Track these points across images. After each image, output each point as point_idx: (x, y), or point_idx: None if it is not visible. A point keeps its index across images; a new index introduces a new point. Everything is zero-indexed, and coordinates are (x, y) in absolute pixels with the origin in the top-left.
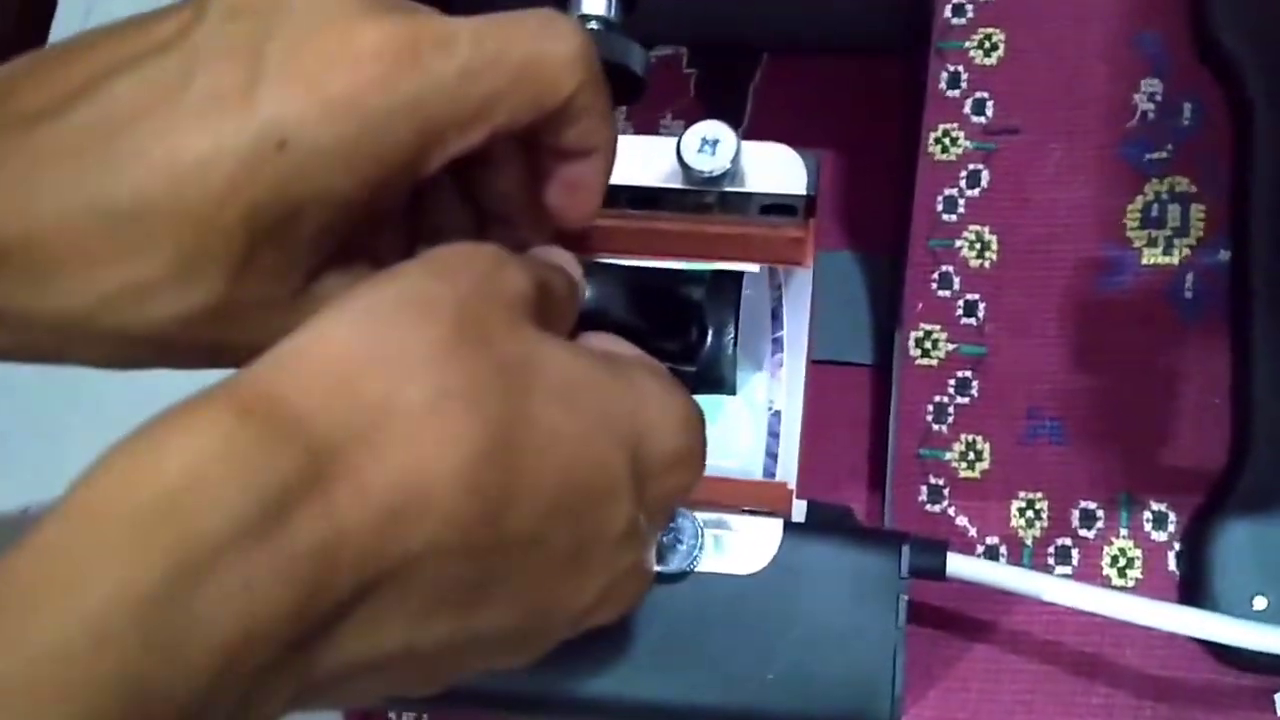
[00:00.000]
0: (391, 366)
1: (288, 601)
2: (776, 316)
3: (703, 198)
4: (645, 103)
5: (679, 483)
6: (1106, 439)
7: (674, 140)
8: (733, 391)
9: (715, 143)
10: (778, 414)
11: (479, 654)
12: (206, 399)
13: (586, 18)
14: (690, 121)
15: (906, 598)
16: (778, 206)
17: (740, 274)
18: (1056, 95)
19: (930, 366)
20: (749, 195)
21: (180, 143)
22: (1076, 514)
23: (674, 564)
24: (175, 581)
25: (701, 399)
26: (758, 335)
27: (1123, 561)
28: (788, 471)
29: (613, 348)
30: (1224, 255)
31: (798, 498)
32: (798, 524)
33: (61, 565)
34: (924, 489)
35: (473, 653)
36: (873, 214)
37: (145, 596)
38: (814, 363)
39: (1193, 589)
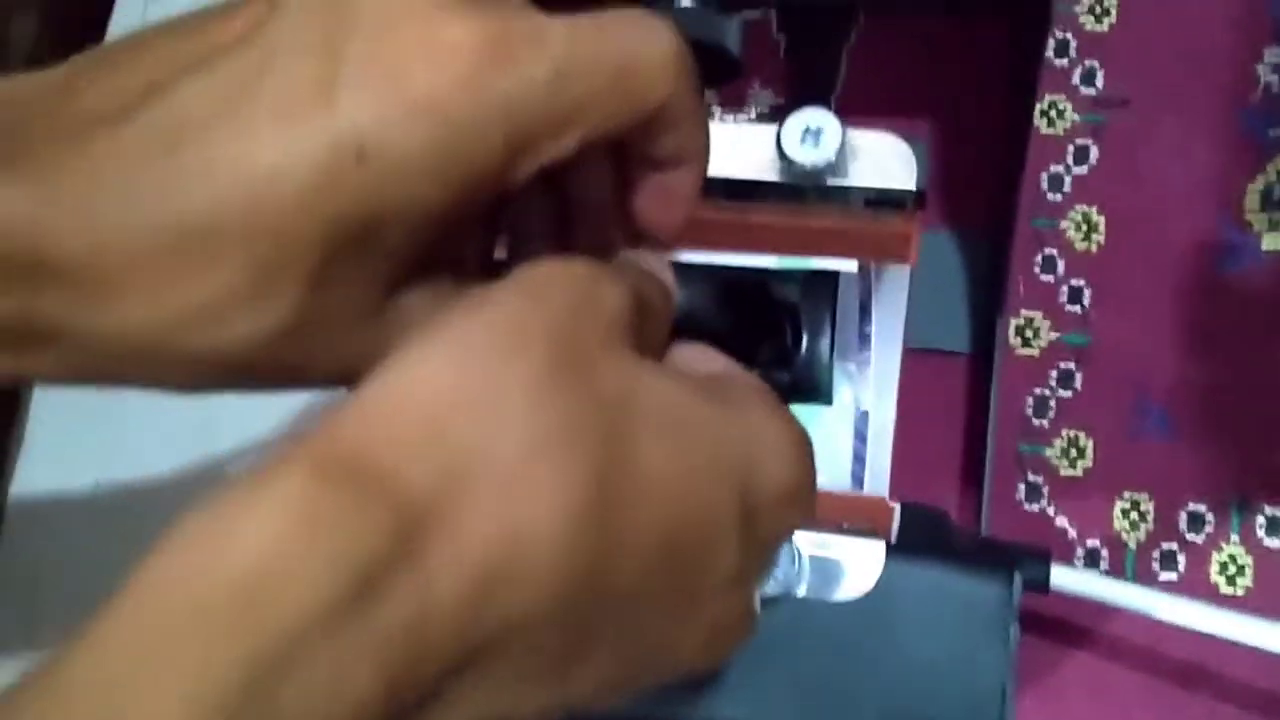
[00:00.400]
0: (484, 410)
1: (380, 685)
2: (865, 310)
3: (802, 191)
4: None
5: (789, 520)
6: (1219, 435)
7: (772, 129)
8: (829, 401)
9: (819, 133)
10: (865, 415)
11: (571, 703)
12: (283, 463)
13: None
14: (779, 90)
15: (1016, 626)
16: (883, 201)
17: (835, 274)
18: (1172, 63)
19: (1031, 356)
20: (852, 189)
21: (253, 151)
22: (1184, 516)
23: (771, 589)
24: (256, 681)
25: (797, 408)
26: (847, 333)
27: (1232, 569)
28: (877, 478)
29: (706, 362)
30: None
31: (890, 499)
32: (900, 546)
33: (123, 668)
34: (1022, 487)
35: (565, 704)
36: (972, 190)
37: (221, 702)
38: (907, 350)
39: None
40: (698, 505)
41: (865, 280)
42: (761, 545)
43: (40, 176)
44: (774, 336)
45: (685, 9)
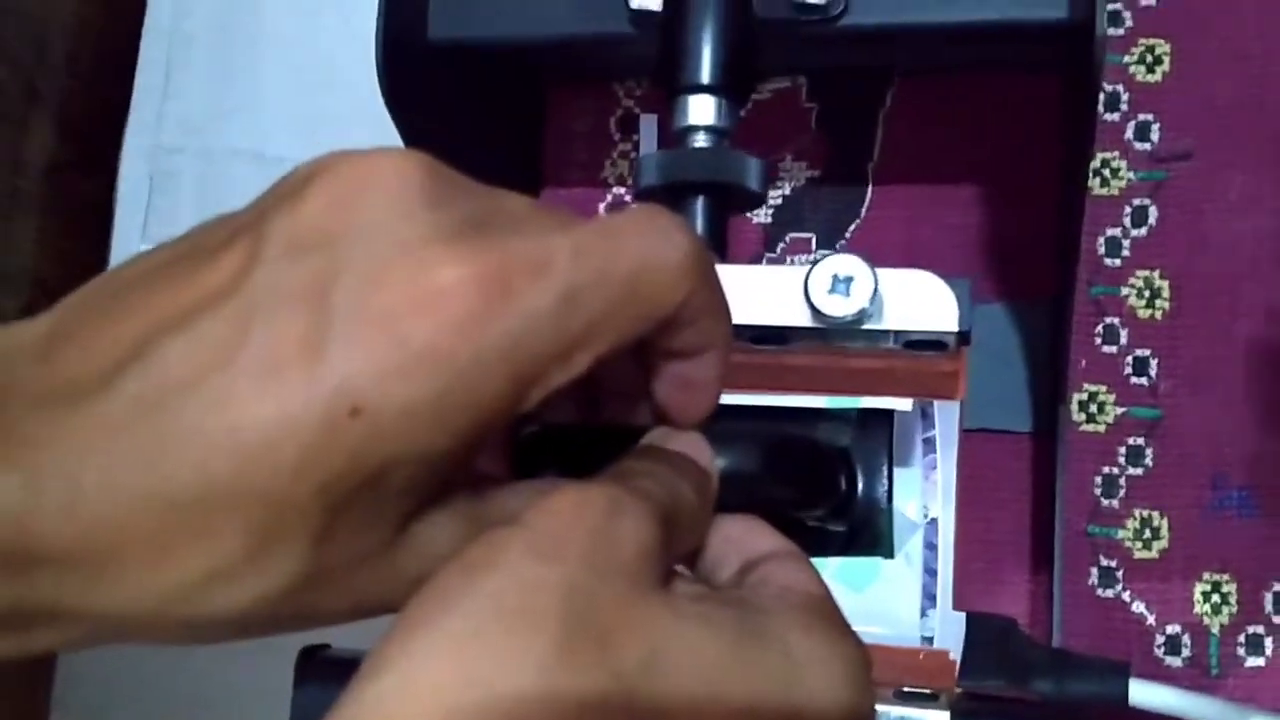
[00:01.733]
0: (490, 711)
1: None
2: (926, 415)
3: (836, 336)
4: (762, 144)
5: None
6: None
7: (801, 271)
8: (890, 554)
9: (849, 281)
10: (934, 523)
11: None
12: None
13: (695, 128)
14: (813, 162)
15: None
16: (925, 343)
17: (890, 413)
18: (1232, 113)
19: (1097, 433)
20: (891, 333)
21: (241, 414)
22: (1270, 597)
23: None
24: None
25: (855, 561)
26: (911, 442)
27: None
28: (945, 590)
29: (753, 540)
30: None
31: (955, 608)
32: (965, 710)
33: None
34: (1094, 571)
35: None
36: (1026, 258)
37: None
38: (965, 431)
39: None
40: None
41: (929, 414)
42: None
43: (22, 459)
44: (826, 486)
45: (704, 150)
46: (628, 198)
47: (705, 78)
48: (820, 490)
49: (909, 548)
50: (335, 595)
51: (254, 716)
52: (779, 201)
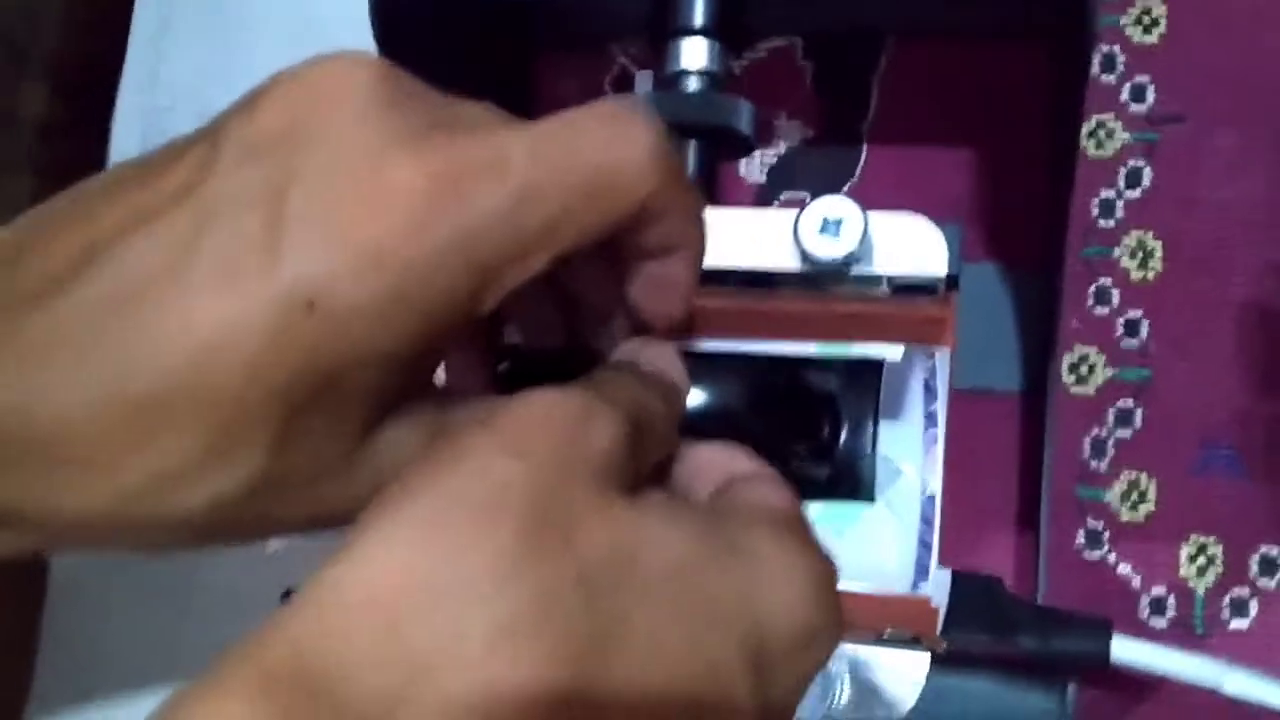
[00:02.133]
0: (450, 600)
1: None
2: (930, 390)
3: (825, 281)
4: (757, 103)
5: (810, 664)
6: None
7: (791, 214)
8: (871, 498)
9: (839, 223)
10: (932, 499)
11: None
12: (228, 671)
13: (687, 73)
14: (808, 121)
15: None
16: (913, 287)
17: (880, 362)
18: (1229, 74)
19: (1086, 395)
20: (880, 277)
21: (197, 314)
22: (1256, 560)
23: (807, 712)
24: None
25: (835, 505)
26: (906, 419)
27: None
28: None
29: (729, 463)
30: None
31: (940, 565)
32: (946, 658)
33: None
34: (1081, 534)
35: None
36: (1019, 220)
37: None
38: (954, 391)
39: None
40: (699, 668)
41: (929, 359)
42: (781, 695)
43: None
44: (811, 430)
45: (694, 93)
46: None
47: (699, 20)
48: (802, 432)
49: (891, 494)
50: (294, 503)
51: None
52: (773, 160)
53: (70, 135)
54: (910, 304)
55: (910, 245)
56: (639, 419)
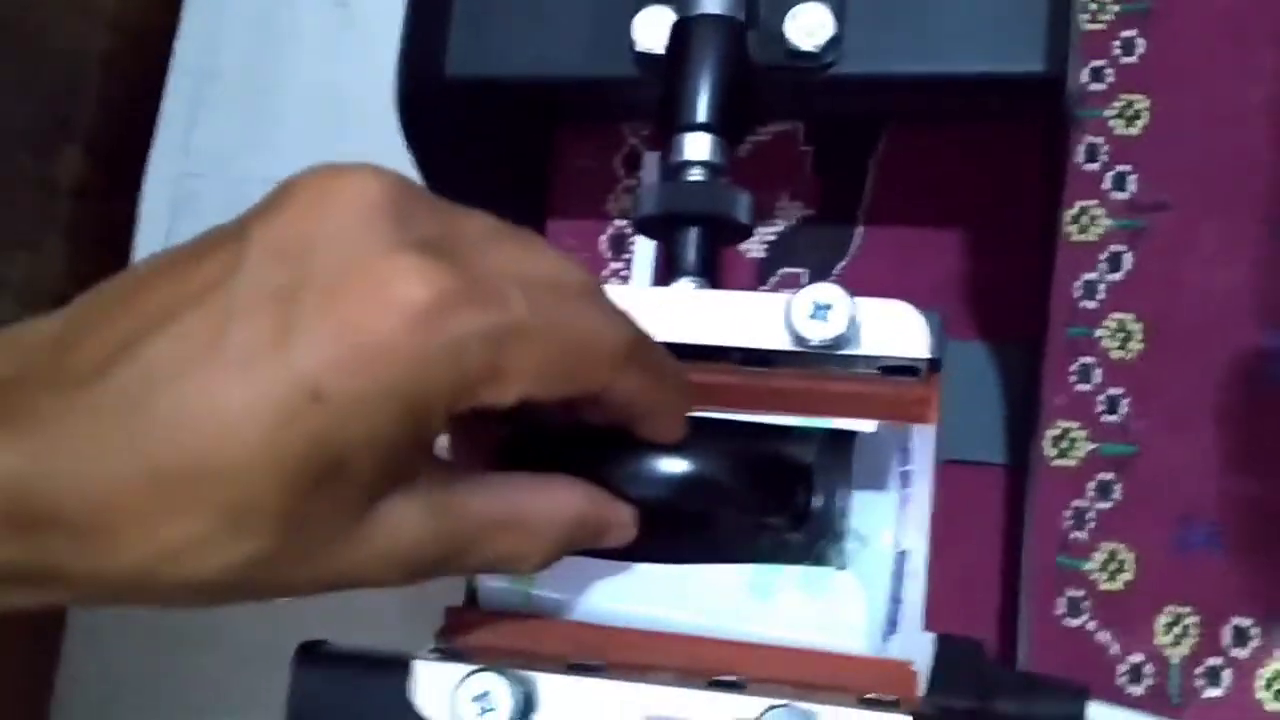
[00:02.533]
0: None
1: None
2: (905, 450)
3: (815, 360)
4: (759, 182)
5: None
6: (1266, 548)
7: (784, 298)
8: (842, 566)
9: (828, 307)
10: (904, 554)
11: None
12: None
13: (691, 163)
14: (808, 201)
15: None
16: (899, 369)
17: (853, 434)
18: (1211, 167)
19: (1068, 468)
20: (867, 358)
21: (215, 401)
22: (1229, 631)
23: None
24: None
25: (807, 570)
26: (880, 484)
27: (1279, 685)
28: (912, 618)
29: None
30: None
31: (926, 628)
32: (925, 718)
33: None
34: (1062, 602)
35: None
36: (1007, 298)
37: None
38: (942, 463)
39: None
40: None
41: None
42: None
43: (33, 434)
44: (787, 497)
45: (698, 183)
46: (628, 230)
47: (702, 116)
48: (778, 500)
49: (862, 564)
50: (305, 569)
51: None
52: (773, 238)
53: (103, 199)
54: (895, 384)
55: (895, 329)
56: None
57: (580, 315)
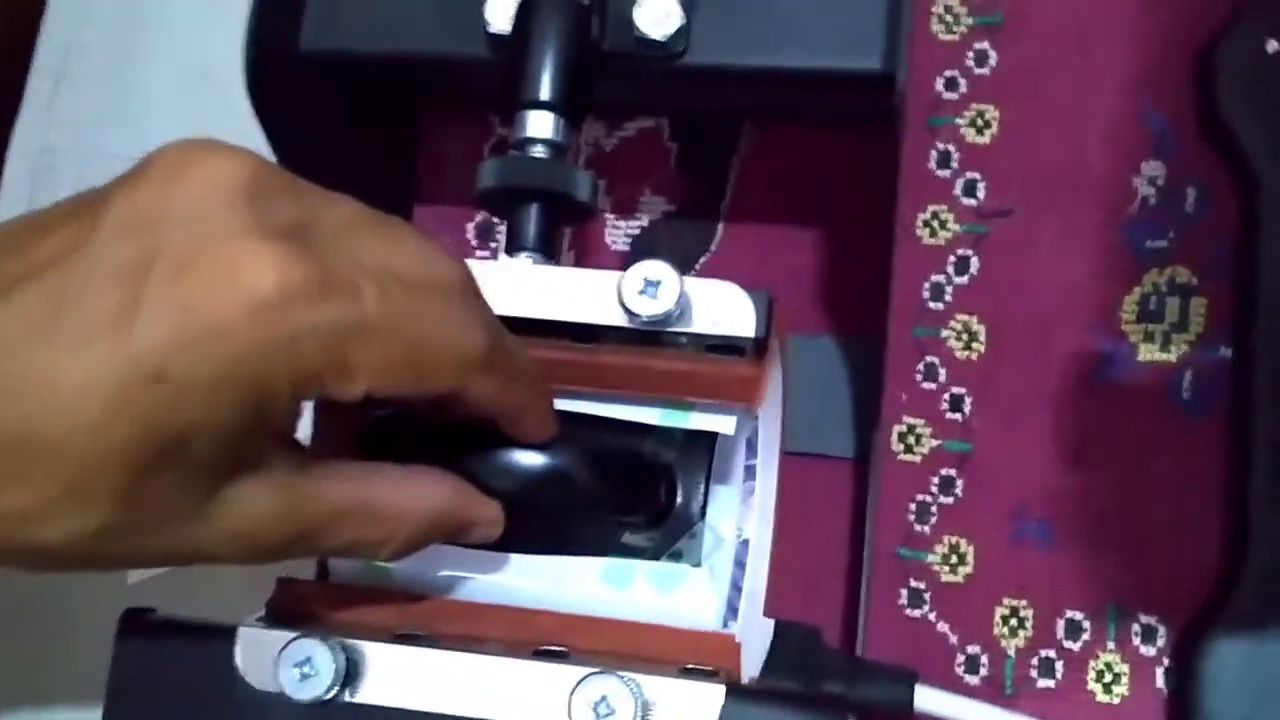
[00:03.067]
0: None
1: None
2: (751, 446)
3: (646, 336)
4: (625, 177)
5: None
6: (1097, 544)
7: (617, 276)
8: (697, 563)
9: (657, 284)
10: (746, 543)
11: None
12: None
13: (532, 141)
14: (671, 197)
15: None
16: (726, 347)
17: (714, 435)
18: (1053, 174)
19: (913, 463)
20: (695, 335)
21: (55, 372)
22: (1062, 624)
23: None
24: None
25: (663, 565)
26: (733, 468)
27: (1109, 676)
28: (754, 602)
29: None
30: (1225, 352)
31: (766, 614)
32: (742, 689)
33: None
34: (904, 592)
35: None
36: (857, 296)
37: None
38: (791, 454)
39: (1180, 708)
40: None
41: (754, 419)
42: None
43: None
44: (648, 497)
45: (538, 159)
46: (496, 219)
47: (543, 94)
48: (639, 499)
49: (714, 560)
50: (150, 542)
51: None
52: (637, 232)
53: None
54: (724, 363)
55: (723, 308)
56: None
57: (433, 316)
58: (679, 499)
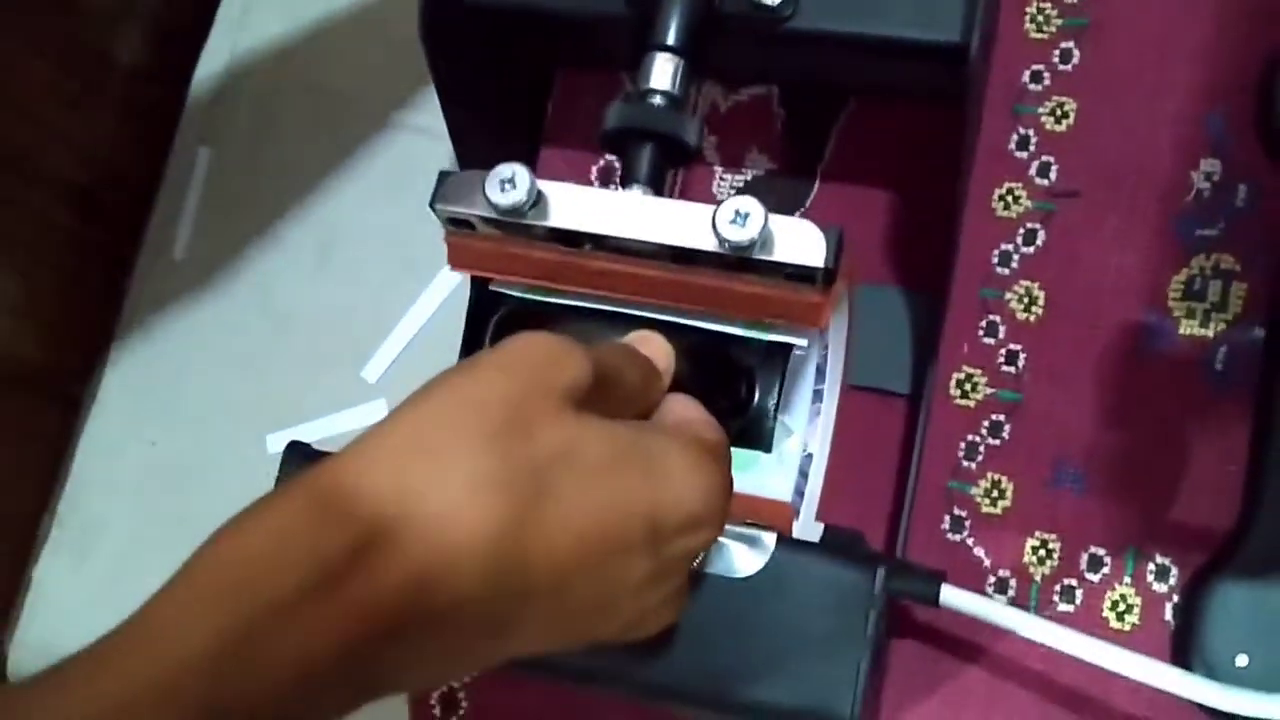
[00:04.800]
0: (440, 458)
1: (335, 645)
2: (820, 372)
3: (733, 260)
4: (735, 136)
5: (697, 541)
6: (1124, 493)
7: (712, 209)
8: (769, 449)
9: (746, 215)
10: (809, 457)
11: (509, 658)
12: (291, 485)
13: (651, 91)
14: (773, 157)
15: (877, 613)
16: (800, 275)
17: (790, 346)
18: (1120, 165)
19: (968, 406)
20: (774, 263)
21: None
22: (1085, 557)
23: None
24: (244, 632)
25: (741, 451)
26: (803, 391)
27: (1122, 607)
28: (810, 507)
29: (685, 409)
30: (1258, 333)
31: (818, 519)
32: (792, 539)
33: (153, 622)
34: (947, 518)
35: (503, 659)
36: (925, 255)
37: (214, 648)
38: (854, 388)
39: (1183, 640)
40: (607, 528)
41: (824, 349)
42: (675, 557)
43: None
44: (733, 392)
45: (655, 105)
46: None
47: (669, 40)
48: (725, 392)
49: (781, 449)
50: None
51: None
52: (740, 185)
53: (153, 83)
54: (796, 289)
55: (799, 240)
56: (608, 374)
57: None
58: (756, 397)
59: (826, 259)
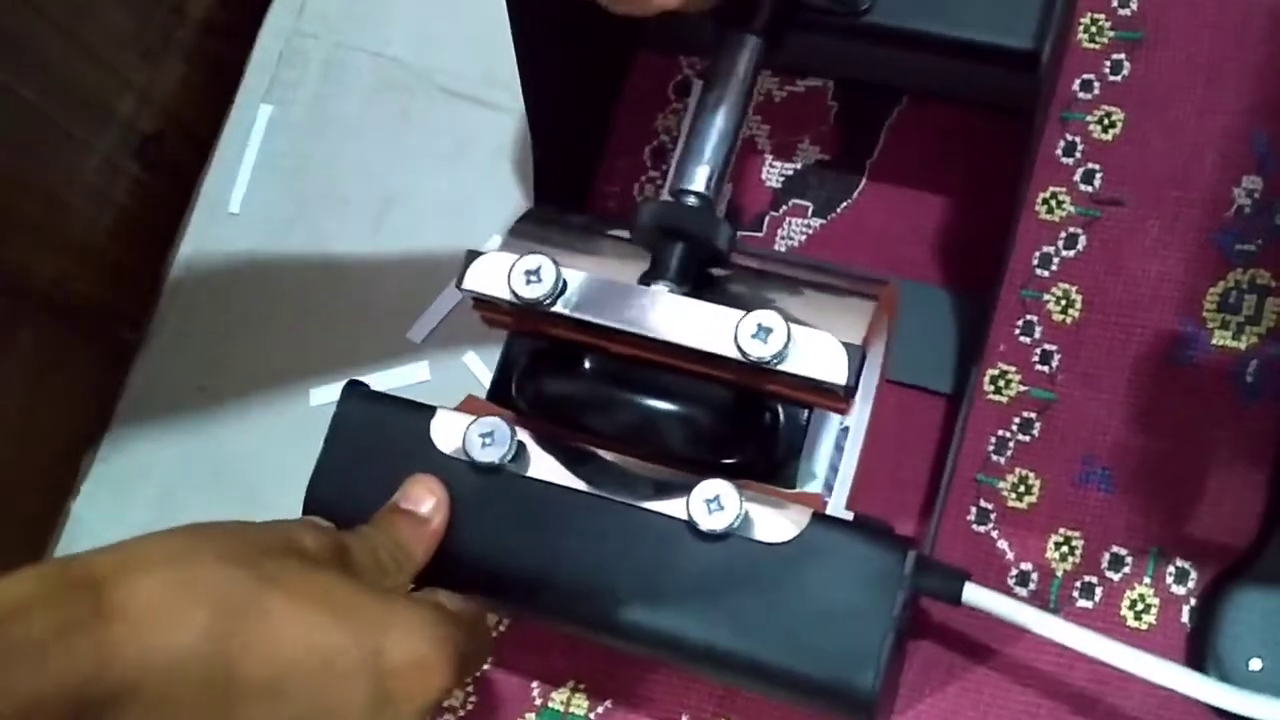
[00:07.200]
0: (171, 568)
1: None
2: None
3: (753, 367)
4: (787, 126)
5: (428, 682)
6: (1149, 495)
7: (736, 316)
8: (792, 486)
9: (769, 331)
10: (845, 430)
11: None
12: (39, 567)
13: (686, 192)
14: (825, 148)
15: (904, 594)
16: (819, 389)
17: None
18: (1163, 176)
19: (1000, 403)
20: (796, 376)
21: None
22: (1107, 556)
23: (717, 525)
24: None
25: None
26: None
27: (1140, 606)
28: (843, 484)
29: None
30: None
31: (847, 508)
32: (827, 515)
33: None
34: (974, 510)
35: None
36: (971, 257)
37: None
38: (893, 383)
39: (1198, 642)
40: (319, 648)
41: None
42: (402, 692)
43: None
44: (761, 427)
45: (689, 206)
46: (670, 144)
47: (754, 22)
48: (757, 425)
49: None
50: None
51: (288, 481)
52: (790, 173)
53: (223, 37)
54: (818, 391)
55: (820, 357)
56: (343, 551)
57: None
58: (780, 437)
59: (849, 379)
